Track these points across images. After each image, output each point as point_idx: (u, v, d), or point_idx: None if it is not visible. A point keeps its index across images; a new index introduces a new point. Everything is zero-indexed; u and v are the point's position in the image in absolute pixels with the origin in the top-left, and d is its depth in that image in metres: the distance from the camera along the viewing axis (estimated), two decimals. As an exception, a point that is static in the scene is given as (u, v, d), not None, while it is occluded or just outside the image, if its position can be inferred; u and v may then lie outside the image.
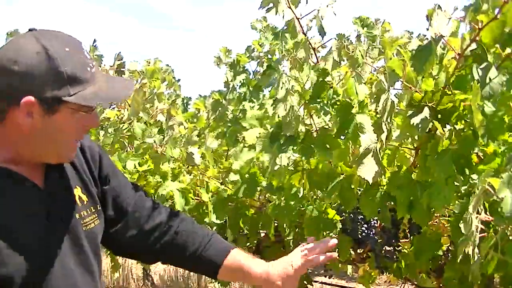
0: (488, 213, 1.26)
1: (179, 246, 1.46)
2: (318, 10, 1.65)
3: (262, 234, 2.41)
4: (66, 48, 1.16)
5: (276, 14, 1.68)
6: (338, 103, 1.62)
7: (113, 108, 3.23)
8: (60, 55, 1.14)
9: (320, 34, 1.66)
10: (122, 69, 2.60)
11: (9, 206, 1.17)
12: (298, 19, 1.68)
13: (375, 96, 1.51)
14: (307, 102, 1.67)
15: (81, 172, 1.35)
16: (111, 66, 2.61)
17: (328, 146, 1.66)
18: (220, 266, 1.44)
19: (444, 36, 1.36)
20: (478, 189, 1.20)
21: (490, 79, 1.29)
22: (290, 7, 1.67)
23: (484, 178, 1.20)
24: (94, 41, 2.53)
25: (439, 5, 1.34)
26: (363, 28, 1.56)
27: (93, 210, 1.34)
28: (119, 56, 2.58)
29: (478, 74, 1.30)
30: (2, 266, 1.12)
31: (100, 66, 2.57)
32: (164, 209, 1.51)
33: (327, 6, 1.64)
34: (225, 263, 1.44)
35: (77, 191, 1.32)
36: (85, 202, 1.32)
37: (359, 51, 1.53)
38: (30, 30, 1.19)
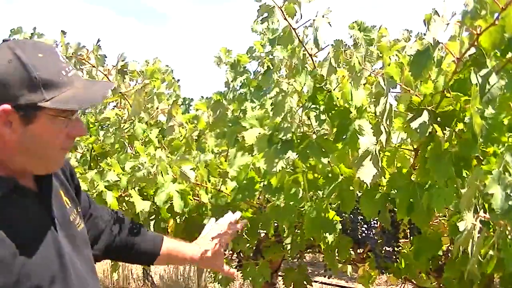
0: (487, 212, 1.27)
1: (127, 248, 1.64)
2: (314, 20, 1.65)
3: (262, 235, 2.41)
4: (39, 54, 1.14)
5: (271, 24, 1.69)
6: (335, 108, 1.63)
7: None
8: (32, 61, 1.12)
9: (315, 46, 1.66)
10: (125, 70, 2.59)
11: (22, 219, 1.17)
12: (294, 29, 1.68)
13: (374, 98, 1.51)
14: (304, 106, 1.68)
15: (60, 176, 1.37)
16: (114, 66, 2.60)
17: (324, 150, 1.66)
18: (157, 255, 1.66)
19: (441, 43, 1.37)
20: (468, 187, 1.21)
21: (489, 83, 1.29)
22: (285, 19, 1.67)
23: (475, 175, 1.21)
24: (98, 40, 2.52)
25: (436, 10, 1.34)
26: (360, 32, 1.56)
27: (77, 212, 1.36)
28: (122, 57, 2.58)
29: (477, 79, 1.30)
30: (29, 278, 1.12)
31: (103, 66, 2.56)
32: (118, 219, 1.65)
33: (323, 16, 1.64)
34: (161, 252, 1.65)
35: (62, 195, 1.33)
36: (69, 205, 1.34)
37: (357, 57, 1.53)
38: (3, 41, 1.17)
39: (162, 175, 2.20)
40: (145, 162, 2.19)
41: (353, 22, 1.59)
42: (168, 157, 2.30)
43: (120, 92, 2.64)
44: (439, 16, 1.33)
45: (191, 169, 2.22)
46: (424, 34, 1.90)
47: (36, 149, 1.17)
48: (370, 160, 1.52)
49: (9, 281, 1.09)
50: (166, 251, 1.66)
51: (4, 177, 1.16)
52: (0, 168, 1.18)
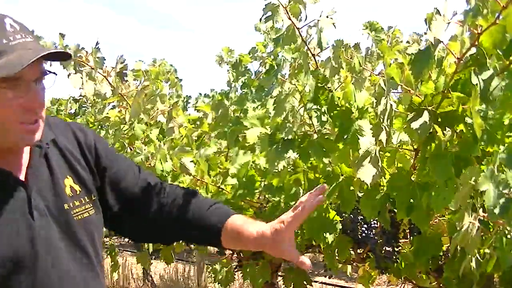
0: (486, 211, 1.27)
1: (184, 222, 1.41)
2: (318, 20, 1.65)
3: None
4: None
5: (275, 24, 1.69)
6: (337, 108, 1.63)
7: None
8: None
9: (319, 47, 1.66)
10: (124, 72, 2.59)
11: None
12: (298, 28, 1.68)
13: (375, 99, 1.52)
14: (306, 105, 1.68)
15: (71, 161, 1.31)
16: (113, 68, 2.60)
17: (325, 150, 1.67)
18: (221, 230, 1.37)
19: (441, 42, 1.37)
20: (462, 185, 1.22)
21: (490, 84, 1.29)
22: (290, 18, 1.67)
23: (469, 174, 1.21)
24: (97, 43, 2.52)
25: (437, 9, 1.34)
26: (371, 32, 1.57)
27: (87, 200, 1.31)
28: (121, 59, 2.58)
29: (478, 80, 1.30)
30: None
31: (102, 68, 2.56)
32: (168, 187, 1.47)
33: (327, 17, 1.64)
34: (225, 226, 1.36)
35: (68, 181, 1.28)
36: (78, 192, 1.29)
37: (357, 57, 1.53)
38: None
39: (161, 163, 2.19)
40: (144, 149, 2.20)
41: (365, 22, 1.59)
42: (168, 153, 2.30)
43: (120, 94, 2.65)
44: (440, 15, 1.33)
45: (191, 161, 2.22)
46: (425, 33, 1.91)
47: None
48: (370, 160, 1.53)
49: None
50: (230, 228, 1.36)
51: None
52: None
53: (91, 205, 1.31)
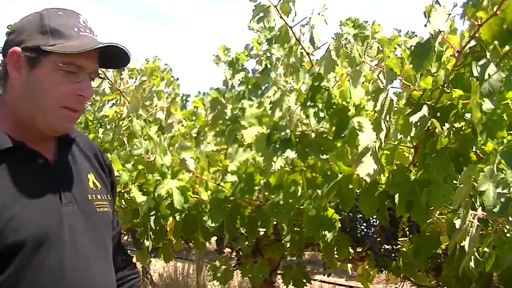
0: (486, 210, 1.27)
1: None
2: (310, 18, 1.65)
3: (261, 233, 2.41)
4: (59, 12, 1.27)
5: (267, 24, 1.69)
6: (334, 106, 1.62)
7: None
8: (50, 14, 1.25)
9: (311, 44, 1.66)
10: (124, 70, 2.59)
11: (23, 178, 1.22)
12: (290, 27, 1.68)
13: (373, 94, 1.51)
14: (302, 104, 1.67)
15: (92, 160, 1.41)
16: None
17: (322, 148, 1.66)
18: None
19: (442, 31, 1.36)
20: (461, 184, 1.21)
21: (489, 75, 1.28)
22: (281, 17, 1.66)
23: (468, 173, 1.21)
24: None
25: (437, 0, 1.34)
26: (355, 29, 1.56)
27: (105, 197, 1.38)
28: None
29: (477, 71, 1.30)
30: (14, 233, 1.16)
31: None
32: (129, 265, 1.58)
33: (318, 14, 1.63)
34: None
35: (91, 177, 1.37)
36: (99, 188, 1.37)
37: (357, 49, 1.53)
38: None
39: (161, 157, 2.19)
40: (144, 143, 2.19)
41: (346, 19, 1.59)
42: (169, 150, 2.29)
43: (118, 89, 2.64)
44: (440, 5, 1.33)
45: (190, 157, 2.21)
46: (413, 32, 1.91)
47: (34, 95, 1.23)
48: (370, 156, 1.52)
49: None
50: None
51: (13, 138, 1.23)
52: (14, 132, 1.25)
53: (107, 203, 1.38)
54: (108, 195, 1.40)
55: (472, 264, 1.30)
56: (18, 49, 1.22)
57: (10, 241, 1.15)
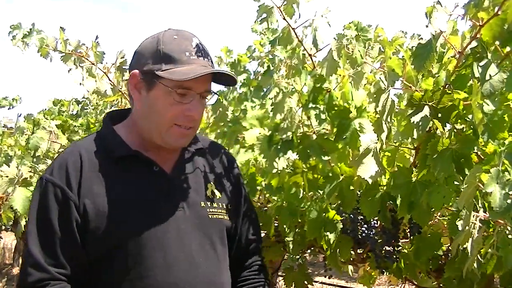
0: (487, 211, 1.27)
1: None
2: (313, 20, 1.66)
3: (262, 235, 2.41)
4: (175, 36, 1.38)
5: (270, 24, 1.70)
6: (335, 108, 1.63)
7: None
8: (165, 39, 1.37)
9: (314, 46, 1.67)
10: (124, 67, 2.57)
11: (135, 183, 1.37)
12: (293, 29, 1.68)
13: (374, 95, 1.51)
14: (304, 106, 1.68)
15: (220, 174, 1.53)
16: (112, 64, 2.58)
17: (324, 150, 1.67)
18: None
19: (444, 32, 1.37)
20: (467, 185, 1.21)
21: (490, 76, 1.29)
22: (284, 18, 1.68)
23: (474, 174, 1.21)
24: (96, 37, 2.51)
25: (438, 1, 1.35)
26: (357, 32, 1.57)
27: (224, 207, 1.48)
28: (121, 54, 2.56)
29: (479, 71, 1.30)
30: (122, 233, 1.31)
31: (101, 63, 2.54)
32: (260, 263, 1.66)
33: (322, 16, 1.65)
34: None
35: (211, 186, 1.48)
36: (217, 197, 1.48)
37: (359, 50, 1.53)
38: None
39: None
40: None
41: (349, 22, 1.60)
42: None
43: (120, 91, 2.63)
44: (441, 6, 1.33)
45: None
46: (419, 35, 1.91)
47: (150, 114, 1.37)
48: (371, 157, 1.52)
49: (105, 226, 1.30)
50: None
51: (130, 147, 1.39)
52: (137, 142, 1.41)
53: (225, 211, 1.48)
54: (229, 205, 1.50)
55: (474, 265, 1.30)
56: (137, 71, 1.37)
57: (119, 240, 1.30)
